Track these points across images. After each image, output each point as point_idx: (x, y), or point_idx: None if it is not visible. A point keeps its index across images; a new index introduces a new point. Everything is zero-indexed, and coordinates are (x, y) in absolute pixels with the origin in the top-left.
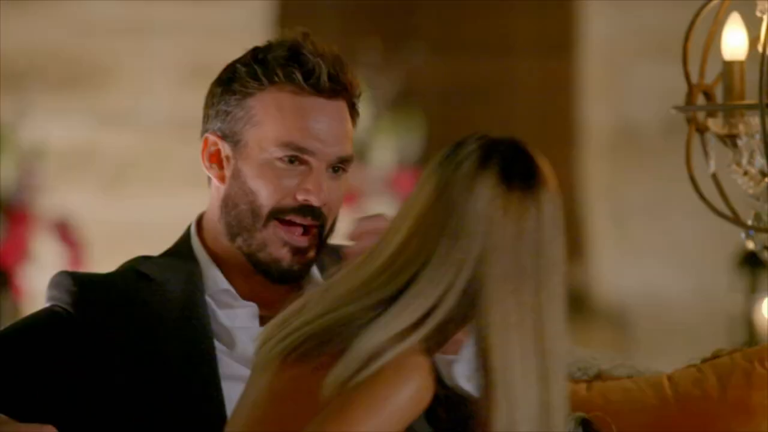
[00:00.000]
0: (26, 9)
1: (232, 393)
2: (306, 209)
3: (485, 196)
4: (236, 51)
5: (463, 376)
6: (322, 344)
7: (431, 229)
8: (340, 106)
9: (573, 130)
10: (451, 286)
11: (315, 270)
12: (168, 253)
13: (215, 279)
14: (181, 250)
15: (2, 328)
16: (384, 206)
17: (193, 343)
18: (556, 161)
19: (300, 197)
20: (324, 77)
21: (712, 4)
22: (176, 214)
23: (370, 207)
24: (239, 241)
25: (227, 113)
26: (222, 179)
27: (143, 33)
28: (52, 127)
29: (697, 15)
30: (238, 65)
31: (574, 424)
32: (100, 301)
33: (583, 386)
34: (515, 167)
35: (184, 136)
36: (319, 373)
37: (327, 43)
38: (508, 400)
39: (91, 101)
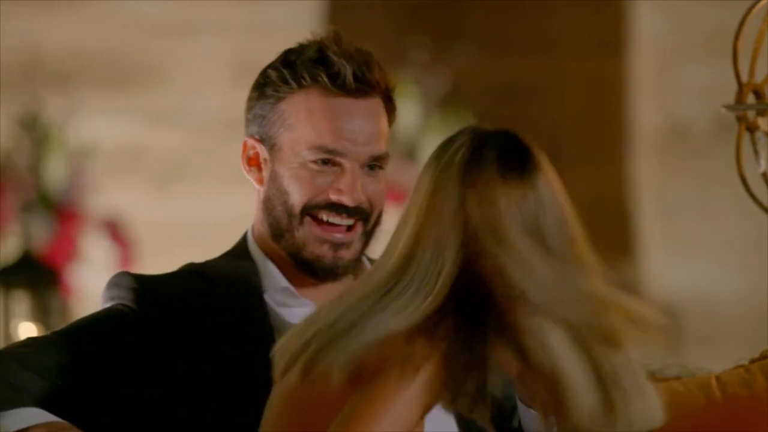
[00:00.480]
0: (75, 9)
1: None
2: (339, 207)
3: (480, 187)
4: (283, 48)
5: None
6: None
7: (432, 228)
8: (372, 104)
9: (622, 130)
10: (442, 270)
11: (368, 265)
12: (226, 255)
13: (274, 278)
14: (239, 251)
15: (52, 327)
16: None
17: (252, 341)
18: (604, 160)
19: (332, 197)
20: (350, 78)
21: (762, 3)
22: (225, 213)
23: None
24: (282, 241)
25: (263, 117)
26: (261, 182)
27: (191, 32)
28: (101, 127)
29: (747, 13)
30: (270, 70)
31: None
32: (161, 300)
33: None
34: (509, 156)
35: (232, 135)
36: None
37: (357, 42)
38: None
39: (140, 100)
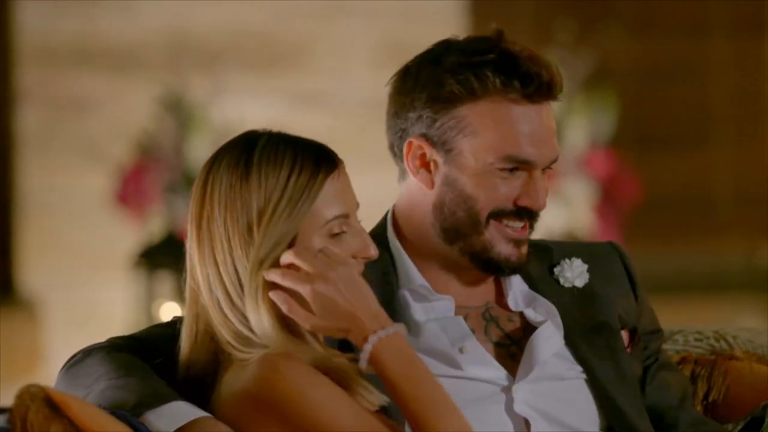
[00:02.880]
0: None
1: None
2: (524, 212)
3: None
4: (431, 31)
5: None
6: None
7: None
8: (548, 107)
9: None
10: None
11: None
12: None
13: (411, 275)
14: (377, 239)
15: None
16: (577, 186)
17: None
18: (750, 141)
19: (521, 203)
20: (544, 84)
21: None
22: (369, 193)
23: (563, 187)
24: (459, 244)
25: (434, 120)
26: (431, 185)
27: (339, 13)
28: (246, 107)
29: None
30: (446, 75)
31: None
32: None
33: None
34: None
35: (379, 117)
36: None
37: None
38: None
39: (286, 81)
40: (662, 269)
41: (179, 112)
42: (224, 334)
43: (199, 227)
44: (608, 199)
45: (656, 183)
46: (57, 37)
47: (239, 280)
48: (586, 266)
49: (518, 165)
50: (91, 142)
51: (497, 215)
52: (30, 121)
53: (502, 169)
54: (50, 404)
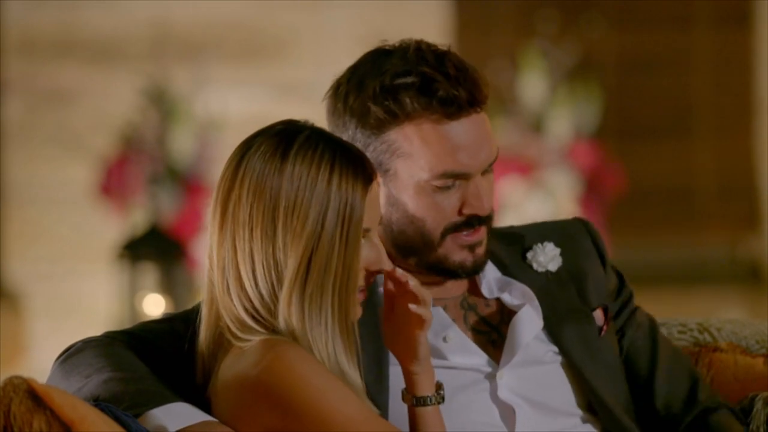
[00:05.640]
0: None
1: (397, 377)
2: (474, 219)
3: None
4: (414, 21)
5: None
6: None
7: None
8: (480, 115)
9: (750, 102)
10: None
11: None
12: None
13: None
14: None
15: (178, 299)
16: (560, 178)
17: (371, 329)
18: (732, 133)
19: (466, 211)
20: (464, 103)
21: None
22: None
23: (546, 178)
24: (413, 259)
25: (367, 144)
26: None
27: (321, 4)
28: (229, 99)
29: None
30: (369, 103)
31: (762, 403)
32: None
33: (760, 360)
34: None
35: None
36: None
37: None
38: None
39: (269, 73)
40: (645, 261)
41: (162, 104)
42: (226, 318)
43: (224, 209)
44: (592, 190)
45: (639, 174)
46: (40, 29)
47: (254, 269)
48: (558, 250)
49: (455, 178)
50: (74, 133)
51: (452, 230)
52: (13, 112)
53: (440, 187)
54: (33, 396)
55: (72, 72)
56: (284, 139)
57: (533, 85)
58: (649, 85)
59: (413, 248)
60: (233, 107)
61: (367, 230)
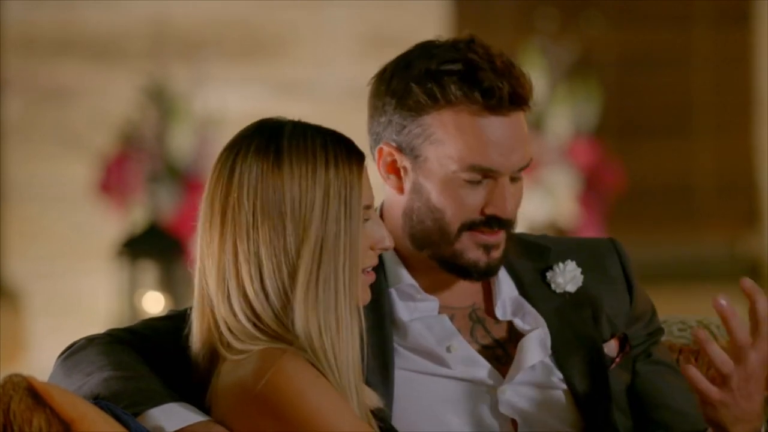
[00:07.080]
0: None
1: (401, 381)
2: (494, 221)
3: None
4: (413, 19)
5: None
6: None
7: None
8: (519, 116)
9: (750, 101)
10: None
11: None
12: None
13: (400, 274)
14: None
15: (178, 297)
16: (560, 176)
17: (377, 333)
18: (732, 131)
19: (488, 212)
20: (505, 97)
21: None
22: None
23: (546, 176)
24: (428, 251)
25: (402, 126)
26: (400, 190)
27: (321, 2)
28: (229, 97)
29: None
30: (412, 83)
31: None
32: None
33: None
34: None
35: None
36: None
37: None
38: None
39: (268, 71)
40: (645, 259)
41: (161, 102)
42: (223, 328)
43: (223, 215)
44: (591, 188)
45: (639, 172)
46: (39, 27)
47: (261, 270)
48: (579, 269)
49: (483, 174)
50: (74, 131)
51: (469, 227)
52: (12, 110)
53: (468, 181)
54: (33, 394)
55: (71, 70)
56: (271, 135)
57: (533, 82)
58: (649, 83)
59: (430, 240)
60: (233, 105)
61: (368, 207)
